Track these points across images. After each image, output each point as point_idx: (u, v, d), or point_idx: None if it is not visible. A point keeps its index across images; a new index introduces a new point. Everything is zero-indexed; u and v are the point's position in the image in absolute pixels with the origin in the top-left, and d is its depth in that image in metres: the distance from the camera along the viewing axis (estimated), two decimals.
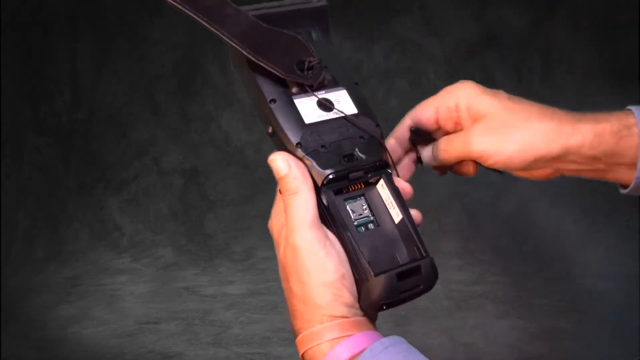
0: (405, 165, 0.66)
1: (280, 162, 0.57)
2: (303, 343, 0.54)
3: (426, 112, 0.64)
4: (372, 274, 0.53)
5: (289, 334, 1.92)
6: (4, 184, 2.54)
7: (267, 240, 2.94)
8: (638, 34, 2.84)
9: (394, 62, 3.00)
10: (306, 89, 0.58)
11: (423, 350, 0.53)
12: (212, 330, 1.96)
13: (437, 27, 3.05)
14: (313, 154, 0.56)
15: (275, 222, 0.59)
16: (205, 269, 2.57)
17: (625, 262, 2.41)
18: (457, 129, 0.63)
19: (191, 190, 2.96)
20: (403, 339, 0.53)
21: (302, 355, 0.55)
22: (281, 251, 0.57)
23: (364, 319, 0.55)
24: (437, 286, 0.57)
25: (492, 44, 3.01)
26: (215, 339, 1.90)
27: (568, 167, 0.60)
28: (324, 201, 0.56)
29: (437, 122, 0.64)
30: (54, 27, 2.85)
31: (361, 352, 0.51)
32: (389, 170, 0.59)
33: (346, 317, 0.53)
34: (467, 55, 2.99)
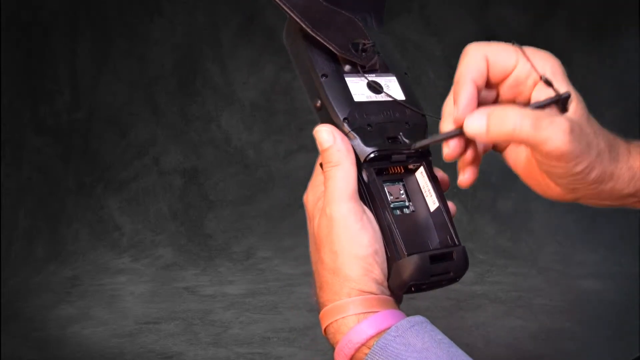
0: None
1: (325, 134, 0.56)
2: (328, 315, 0.54)
3: (507, 60, 0.53)
4: (405, 252, 0.54)
5: (289, 334, 1.92)
6: (4, 184, 2.54)
7: (267, 240, 2.93)
8: (638, 34, 2.84)
9: None
10: (358, 70, 0.59)
11: None
12: (212, 330, 1.96)
13: (437, 27, 3.05)
14: (359, 130, 0.56)
15: (311, 195, 0.59)
16: (205, 269, 2.57)
17: (625, 262, 2.41)
18: (513, 99, 0.54)
19: (191, 190, 2.96)
20: (427, 320, 0.54)
21: (326, 329, 0.55)
22: (315, 222, 0.57)
23: (390, 298, 0.55)
24: None
25: None
26: (215, 339, 1.90)
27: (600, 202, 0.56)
28: (365, 178, 0.56)
29: (503, 78, 0.53)
30: (54, 27, 2.85)
31: (387, 328, 0.52)
32: (430, 159, 0.59)
33: (374, 293, 0.54)
34: None
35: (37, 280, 2.42)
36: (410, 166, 0.58)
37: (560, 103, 0.50)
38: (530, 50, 0.53)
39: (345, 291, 0.53)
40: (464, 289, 2.23)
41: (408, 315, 0.54)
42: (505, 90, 0.54)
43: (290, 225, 2.73)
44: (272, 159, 2.98)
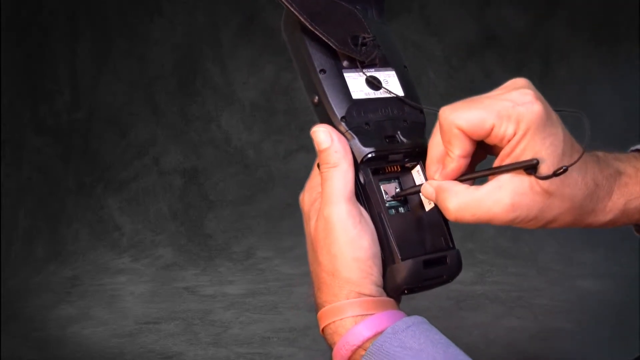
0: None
1: (323, 135, 0.55)
2: (326, 316, 0.54)
3: (482, 129, 0.50)
4: (399, 257, 0.54)
5: (289, 334, 1.92)
6: (4, 184, 2.54)
7: (267, 240, 2.93)
8: (638, 34, 2.84)
9: None
10: (357, 65, 0.57)
11: None
12: (212, 330, 1.96)
13: (437, 27, 3.05)
14: (356, 129, 0.55)
15: (307, 196, 0.58)
16: (205, 269, 2.57)
17: (625, 262, 2.41)
18: (495, 152, 0.53)
19: (191, 190, 2.96)
20: (425, 320, 0.54)
21: (324, 329, 0.55)
22: (312, 224, 0.56)
23: (389, 300, 0.55)
24: None
25: (492, 44, 3.01)
26: (215, 339, 1.90)
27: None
28: (362, 179, 0.55)
29: (484, 137, 0.51)
30: (54, 27, 2.85)
31: (384, 330, 0.52)
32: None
33: (373, 295, 0.54)
34: (467, 55, 2.99)
35: (37, 280, 2.42)
36: (407, 164, 0.58)
37: (526, 169, 0.49)
38: (502, 108, 0.50)
39: (344, 293, 0.53)
40: (464, 289, 2.23)
41: (408, 315, 0.54)
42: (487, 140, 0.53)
43: (290, 225, 2.72)
44: (272, 159, 2.98)
